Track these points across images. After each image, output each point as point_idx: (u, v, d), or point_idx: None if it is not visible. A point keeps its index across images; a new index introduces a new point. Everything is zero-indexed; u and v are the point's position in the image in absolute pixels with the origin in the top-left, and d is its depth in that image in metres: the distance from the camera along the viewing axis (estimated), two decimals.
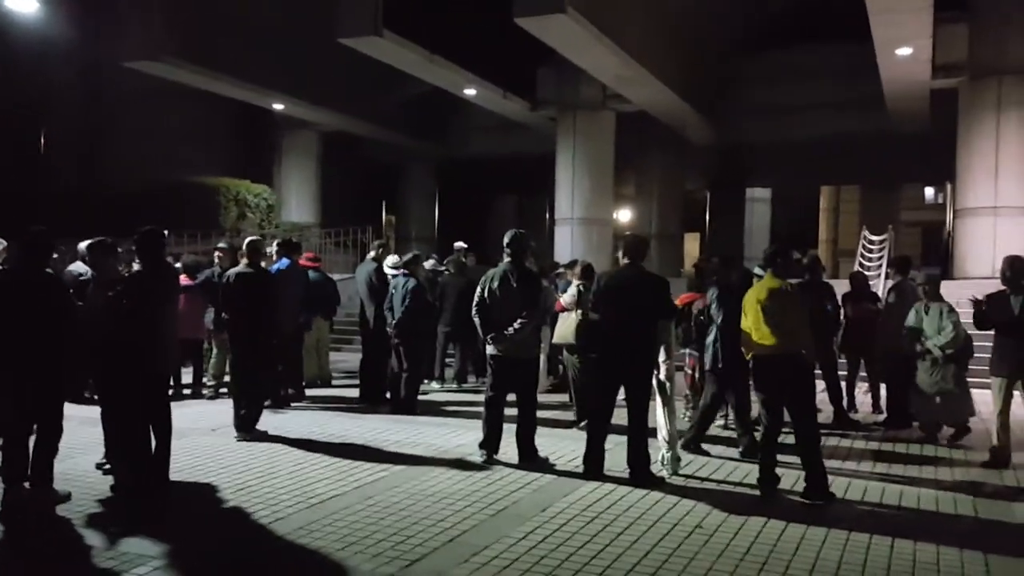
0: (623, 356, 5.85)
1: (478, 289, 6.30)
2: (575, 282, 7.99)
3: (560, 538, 4.61)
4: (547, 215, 29.34)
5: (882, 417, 8.23)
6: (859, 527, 4.83)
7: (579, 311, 7.61)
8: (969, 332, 7.30)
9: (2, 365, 5.06)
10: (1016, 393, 6.42)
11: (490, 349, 6.22)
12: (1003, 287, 6.51)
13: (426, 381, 9.66)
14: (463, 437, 7.10)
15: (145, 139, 18.15)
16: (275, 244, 9.19)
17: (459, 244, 11.17)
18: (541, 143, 19.90)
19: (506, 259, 6.24)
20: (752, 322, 5.52)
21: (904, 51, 12.74)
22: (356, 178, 23.10)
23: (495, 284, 6.14)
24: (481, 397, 6.49)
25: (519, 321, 6.03)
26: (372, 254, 9.02)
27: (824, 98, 18.65)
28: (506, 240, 6.27)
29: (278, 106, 18.15)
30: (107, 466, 5.70)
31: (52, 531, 4.79)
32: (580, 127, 17.67)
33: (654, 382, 6.00)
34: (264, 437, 7.03)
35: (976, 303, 6.52)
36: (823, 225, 34.73)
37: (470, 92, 16.82)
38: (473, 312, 6.27)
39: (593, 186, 17.65)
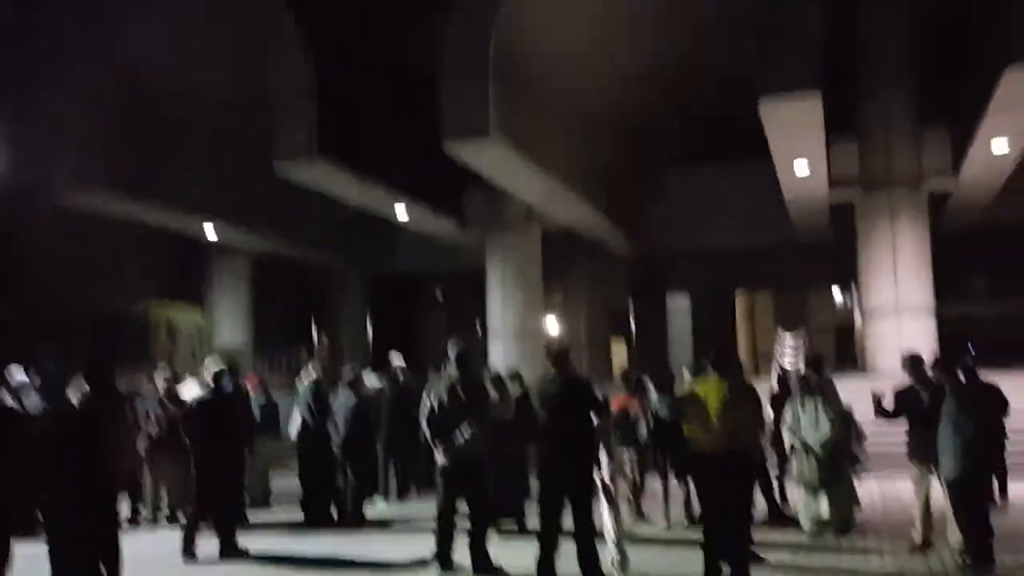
0: (562, 461, 6.11)
1: (426, 400, 6.54)
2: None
3: None
4: (477, 328, 29.85)
5: None
6: None
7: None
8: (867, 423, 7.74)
9: None
10: (932, 479, 6.89)
11: (440, 458, 6.41)
12: (911, 381, 7.11)
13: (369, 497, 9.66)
14: (417, 549, 7.17)
15: (74, 267, 17.97)
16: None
17: (395, 358, 11.35)
18: (471, 259, 20.54)
19: (454, 371, 6.54)
20: (697, 422, 5.86)
21: (802, 167, 13.91)
22: (288, 299, 23.19)
23: (444, 395, 6.41)
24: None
25: (467, 429, 6.29)
26: (314, 375, 9.16)
27: (733, 210, 19.82)
28: (454, 353, 6.58)
29: (210, 233, 18.32)
30: None
31: None
32: (508, 244, 18.38)
33: (597, 483, 6.28)
34: (246, 554, 7.09)
35: (875, 397, 7.03)
36: (741, 329, 36.15)
37: (401, 213, 17.39)
38: (423, 423, 6.50)
39: (524, 299, 18.23)
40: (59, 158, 13.71)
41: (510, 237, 18.39)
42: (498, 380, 8.22)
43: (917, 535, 6.89)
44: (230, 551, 7.11)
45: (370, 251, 22.68)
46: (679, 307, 28.19)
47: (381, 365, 11.45)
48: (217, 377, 7.45)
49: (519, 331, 17.99)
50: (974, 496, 6.33)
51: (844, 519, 7.47)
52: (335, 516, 8.71)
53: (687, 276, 24.82)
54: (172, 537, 7.25)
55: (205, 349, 18.42)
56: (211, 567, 6.77)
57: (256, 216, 18.23)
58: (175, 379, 9.55)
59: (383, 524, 8.71)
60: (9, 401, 7.53)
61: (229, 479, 7.32)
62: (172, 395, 9.07)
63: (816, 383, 8.86)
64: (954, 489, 6.33)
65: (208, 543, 7.31)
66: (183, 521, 7.51)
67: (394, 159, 15.89)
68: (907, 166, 15.51)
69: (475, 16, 12.23)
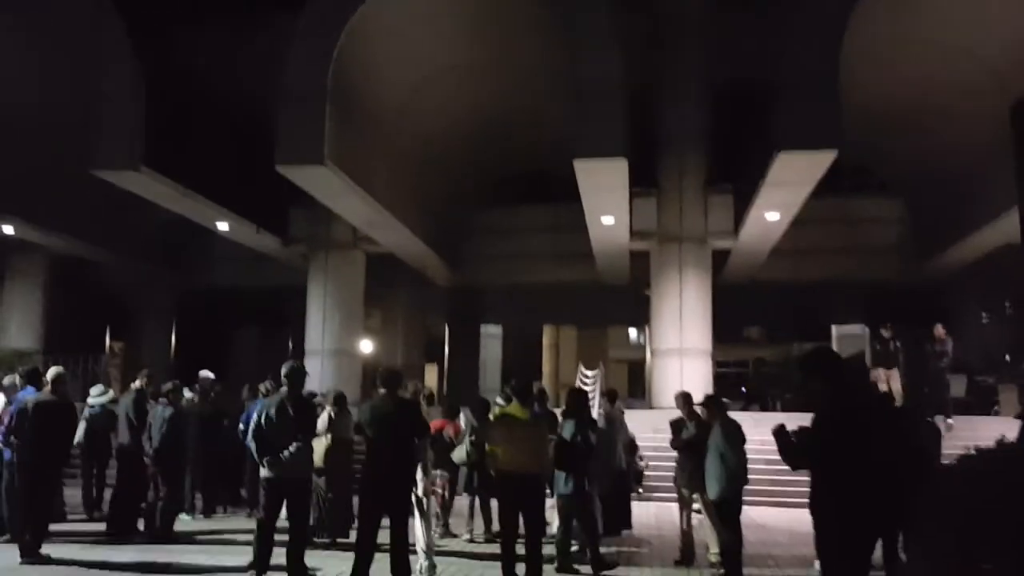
0: (386, 477, 6.72)
1: (255, 416, 6.91)
2: (328, 408, 8.84)
3: None
4: (290, 346, 29.51)
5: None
6: None
7: (329, 435, 8.45)
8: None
9: None
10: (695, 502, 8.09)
11: (265, 472, 6.80)
12: (681, 415, 8.34)
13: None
14: (227, 560, 7.45)
15: None
16: (19, 373, 9.03)
17: (205, 373, 11.41)
18: (288, 276, 20.52)
19: (283, 388, 6.96)
20: (500, 445, 6.67)
21: (607, 219, 15.40)
22: (86, 303, 21.95)
23: (272, 411, 6.81)
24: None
25: (295, 445, 6.73)
26: (136, 383, 9.15)
27: (545, 250, 21.19)
28: (284, 371, 7.00)
29: (8, 229, 17.21)
30: None
31: None
32: (332, 265, 18.67)
33: (412, 498, 6.92)
34: (48, 560, 7.09)
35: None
36: (546, 359, 38.07)
37: (223, 226, 17.24)
38: (249, 438, 6.86)
39: (343, 320, 18.54)
40: None
41: (334, 258, 18.68)
42: (340, 399, 8.70)
43: (680, 551, 8.07)
44: (34, 557, 7.08)
45: (181, 260, 22.04)
46: (491, 336, 29.51)
47: (185, 379, 11.44)
48: (58, 381, 7.48)
49: (335, 350, 18.27)
50: (733, 515, 7.49)
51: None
52: (140, 528, 8.73)
53: (500, 308, 26.08)
54: None
55: None
56: (13, 574, 6.71)
57: (60, 215, 17.33)
58: None
59: (190, 537, 8.82)
60: None
61: (51, 484, 7.30)
62: None
63: (609, 412, 10.07)
64: (719, 509, 7.48)
65: (5, 551, 7.24)
66: None
67: (219, 173, 15.83)
68: (695, 224, 17.49)
69: (315, 47, 12.70)
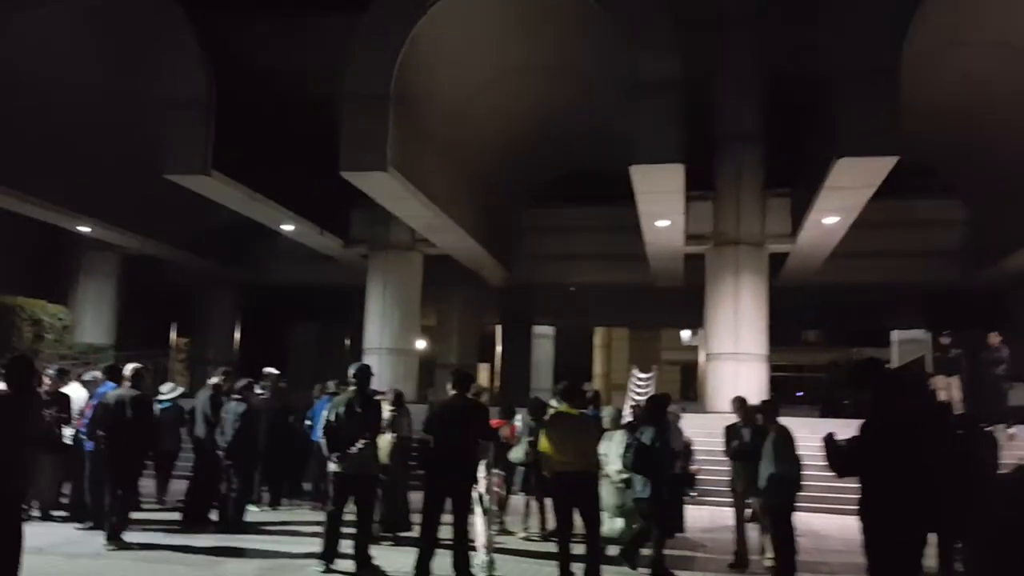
0: (449, 472, 7.00)
1: (324, 413, 7.27)
2: (388, 408, 9.14)
3: None
4: (346, 343, 30.17)
5: None
6: None
7: (393, 433, 8.75)
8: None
9: None
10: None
11: (333, 467, 7.14)
12: (737, 420, 8.43)
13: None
14: (294, 549, 7.83)
15: None
16: (100, 369, 9.57)
17: (270, 370, 11.83)
18: (345, 276, 21.03)
19: (351, 387, 7.29)
20: (553, 445, 6.88)
21: (662, 223, 15.47)
22: (154, 300, 22.81)
23: (341, 409, 7.15)
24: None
25: (361, 441, 7.05)
26: (214, 380, 9.61)
27: (599, 251, 21.25)
28: (352, 371, 7.35)
29: (85, 229, 18.01)
30: None
31: None
32: (391, 265, 19.08)
33: (474, 495, 7.18)
34: (131, 546, 7.60)
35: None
36: (597, 360, 38.15)
37: (288, 228, 17.77)
38: (319, 434, 7.21)
39: (401, 319, 18.94)
40: None
41: (393, 259, 19.09)
42: (399, 397, 9.02)
43: (734, 555, 8.17)
44: (118, 542, 7.55)
45: (244, 258, 22.73)
46: (543, 336, 29.75)
47: (249, 375, 11.87)
48: (137, 376, 7.94)
49: (394, 349, 18.67)
50: (787, 521, 7.57)
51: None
52: (212, 518, 9.17)
53: (552, 309, 26.26)
54: (50, 531, 7.59)
55: (67, 346, 18.02)
56: (100, 559, 7.15)
57: (132, 215, 18.09)
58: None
59: (259, 527, 9.22)
60: None
61: (134, 474, 7.76)
62: (54, 392, 9.25)
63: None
64: (772, 515, 7.58)
65: (90, 537, 7.74)
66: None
67: (284, 175, 16.33)
68: (753, 228, 17.42)
69: (380, 52, 13.04)
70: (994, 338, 13.85)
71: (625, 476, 7.72)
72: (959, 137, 17.19)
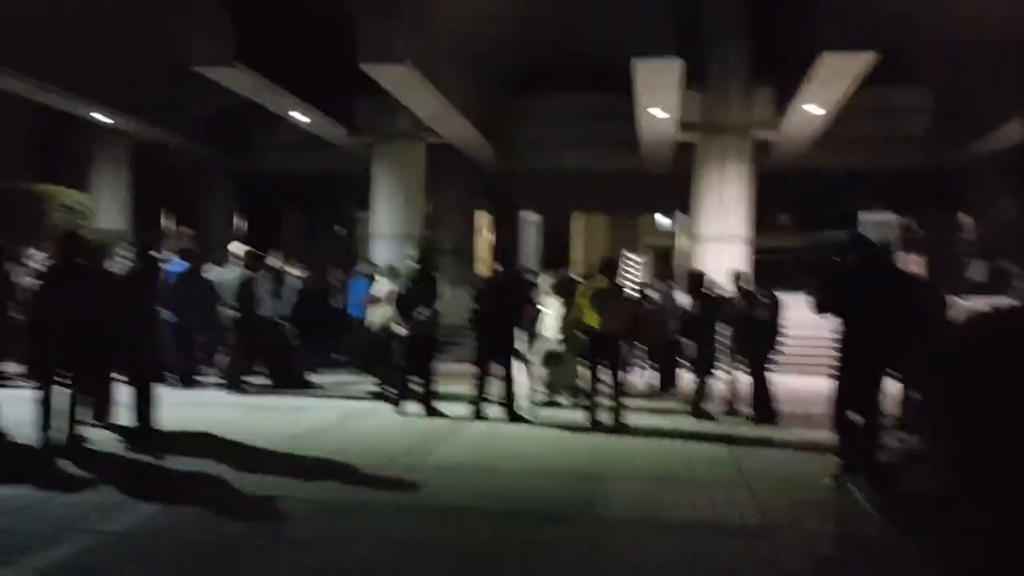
0: (496, 335, 8.38)
1: (398, 287, 8.59)
2: (386, 281, 10.33)
3: (476, 448, 7.05)
4: (334, 229, 31.18)
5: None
6: (644, 436, 7.78)
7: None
8: None
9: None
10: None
11: (402, 331, 8.49)
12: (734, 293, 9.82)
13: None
14: (363, 404, 9.28)
15: None
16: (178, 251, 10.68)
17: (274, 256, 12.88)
18: (341, 163, 21.90)
19: (413, 264, 8.57)
20: (589, 311, 8.23)
21: (657, 112, 16.48)
22: (163, 187, 23.52)
23: (409, 283, 8.44)
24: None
25: (426, 310, 8.37)
26: (276, 262, 10.77)
27: (587, 138, 22.05)
28: (413, 252, 8.62)
29: (99, 116, 18.58)
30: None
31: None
32: (395, 154, 19.99)
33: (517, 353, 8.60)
34: (246, 391, 9.44)
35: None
36: (577, 246, 39.55)
37: (299, 117, 18.51)
38: (392, 304, 8.53)
39: (406, 206, 20.03)
40: None
41: (398, 148, 19.97)
42: (393, 272, 10.25)
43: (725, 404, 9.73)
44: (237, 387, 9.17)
45: (244, 145, 23.38)
46: (530, 223, 30.97)
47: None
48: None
49: (399, 234, 19.81)
50: (761, 370, 9.06)
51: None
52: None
53: (538, 195, 27.30)
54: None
55: (90, 230, 18.91)
56: (210, 407, 8.54)
57: (140, 102, 18.64)
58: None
59: (318, 386, 10.64)
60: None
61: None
62: None
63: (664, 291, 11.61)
64: (752, 366, 9.09)
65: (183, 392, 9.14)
66: None
67: (295, 64, 16.92)
68: (739, 116, 18.51)
69: None
70: (963, 218, 15.11)
71: (560, 337, 9.09)
72: (929, 32, 18.10)
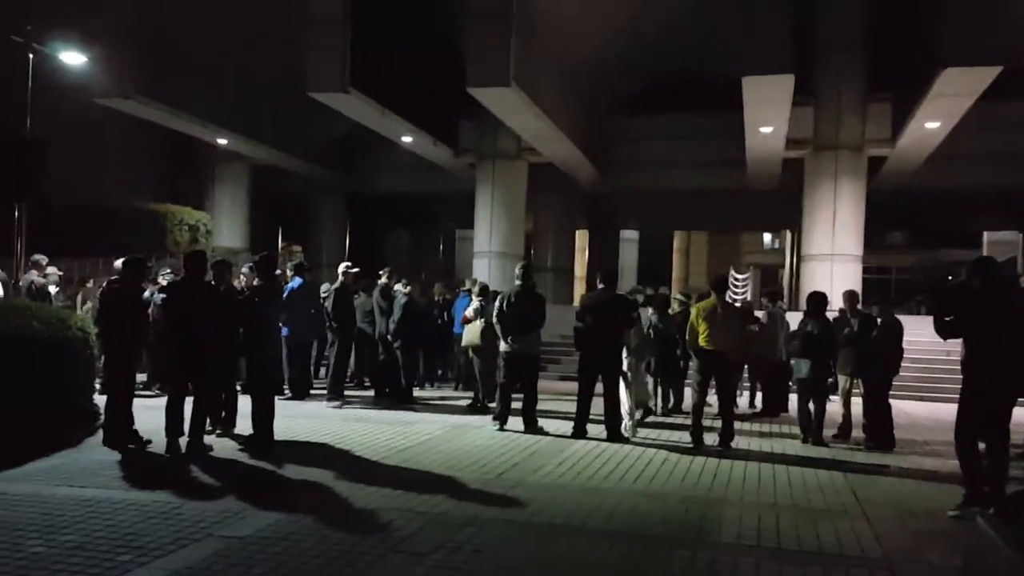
0: (600, 353, 8.37)
1: (497, 303, 8.69)
2: (476, 299, 10.44)
3: (580, 466, 7.04)
4: (440, 247, 31.85)
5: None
6: (753, 460, 7.58)
7: (482, 319, 10.07)
8: None
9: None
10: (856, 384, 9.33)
11: (505, 347, 8.59)
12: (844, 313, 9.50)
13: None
14: (467, 418, 9.42)
15: (82, 160, 19.16)
16: (291, 266, 11.13)
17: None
18: (447, 184, 22.36)
19: (517, 282, 8.66)
20: (701, 329, 8.13)
21: (766, 129, 16.17)
22: (276, 207, 24.63)
23: (512, 299, 8.54)
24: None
25: (531, 328, 8.45)
26: (383, 279, 11.10)
27: (689, 157, 21.79)
28: (517, 271, 8.73)
29: (223, 141, 19.66)
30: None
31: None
32: (498, 174, 20.33)
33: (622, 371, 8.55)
34: (347, 403, 9.88)
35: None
36: (676, 264, 39.07)
37: (407, 140, 19.08)
38: (495, 319, 8.64)
39: (507, 225, 20.30)
40: (114, 65, 14.93)
41: (500, 168, 20.28)
42: (485, 290, 10.41)
43: (841, 426, 9.38)
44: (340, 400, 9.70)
45: (353, 167, 24.21)
46: (629, 241, 30.84)
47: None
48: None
49: (501, 252, 20.07)
50: (884, 398, 8.74)
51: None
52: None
53: (639, 213, 27.15)
54: None
55: (209, 248, 19.95)
56: (319, 419, 8.85)
57: (261, 127, 19.62)
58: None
59: (425, 400, 10.87)
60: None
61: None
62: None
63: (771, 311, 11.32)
64: (871, 392, 8.75)
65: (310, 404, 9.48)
66: None
67: (406, 90, 17.47)
68: (853, 133, 17.93)
69: None
70: None
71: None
72: None
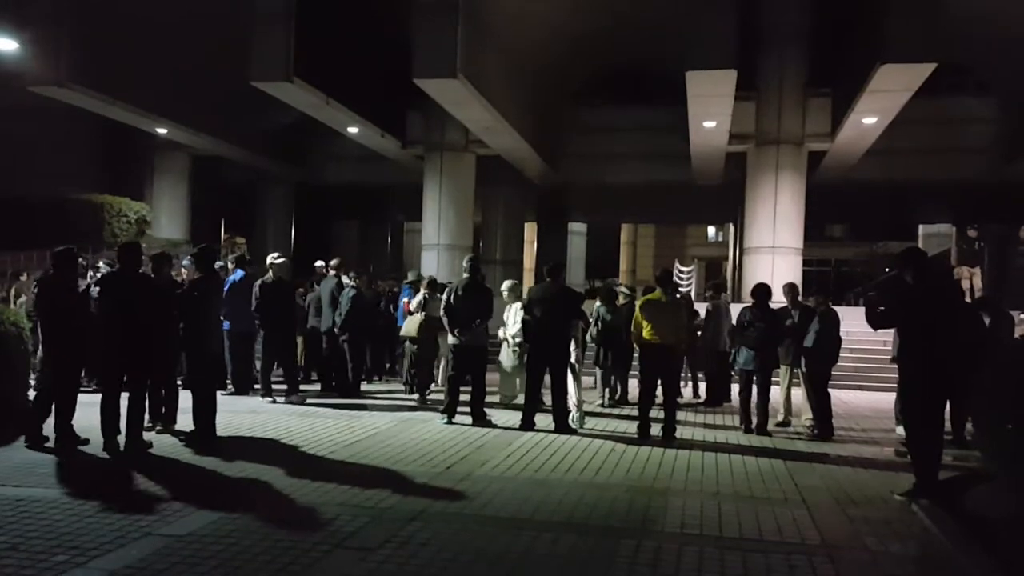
0: (547, 345, 8.41)
1: (445, 296, 8.66)
2: (423, 292, 10.42)
3: (528, 459, 7.07)
4: (389, 239, 31.57)
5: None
6: (697, 449, 7.72)
7: (423, 313, 10.06)
8: None
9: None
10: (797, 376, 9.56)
11: (453, 340, 8.57)
12: (786, 304, 9.71)
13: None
14: (414, 412, 9.38)
15: (14, 151, 18.54)
16: (233, 259, 10.94)
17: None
18: (392, 176, 22.16)
19: (465, 275, 8.64)
20: (645, 323, 8.22)
21: (709, 124, 16.39)
22: (218, 198, 24.10)
23: (460, 292, 8.51)
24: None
25: (477, 320, 8.44)
26: (332, 272, 10.97)
27: (636, 150, 21.99)
28: (465, 263, 8.72)
29: (162, 130, 19.15)
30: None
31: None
32: (446, 166, 20.21)
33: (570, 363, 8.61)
34: (303, 402, 9.63)
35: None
36: (623, 257, 39.46)
37: (353, 130, 18.83)
38: (442, 312, 8.61)
39: (456, 217, 20.22)
40: (48, 52, 14.44)
41: (448, 160, 20.17)
42: (433, 283, 10.34)
43: (780, 415, 9.61)
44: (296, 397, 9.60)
45: (299, 158, 23.84)
46: (577, 233, 31.00)
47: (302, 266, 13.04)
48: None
49: (449, 245, 20.00)
50: (824, 387, 8.97)
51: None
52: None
53: (587, 206, 27.29)
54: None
55: (150, 240, 19.46)
56: (263, 414, 8.72)
57: (203, 117, 19.17)
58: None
59: (372, 394, 10.79)
60: None
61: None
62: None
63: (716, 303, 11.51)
64: (813, 382, 8.97)
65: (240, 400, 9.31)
66: None
67: (351, 80, 17.24)
68: (793, 128, 18.29)
69: None
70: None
71: (519, 340, 9.32)
72: (994, 38, 17.71)
